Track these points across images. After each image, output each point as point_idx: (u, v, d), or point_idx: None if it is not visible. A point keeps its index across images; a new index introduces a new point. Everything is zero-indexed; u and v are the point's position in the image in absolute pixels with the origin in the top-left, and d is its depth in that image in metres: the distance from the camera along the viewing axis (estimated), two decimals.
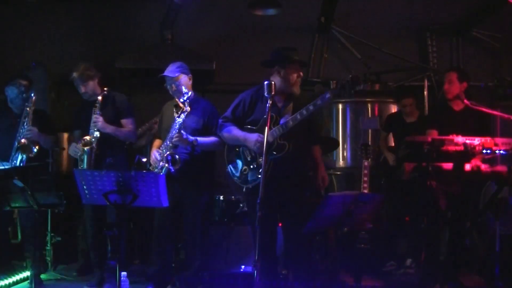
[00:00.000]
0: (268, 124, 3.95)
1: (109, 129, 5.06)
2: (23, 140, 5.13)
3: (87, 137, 4.98)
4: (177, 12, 6.91)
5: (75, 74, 5.15)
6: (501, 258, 4.56)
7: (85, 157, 4.97)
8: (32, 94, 5.28)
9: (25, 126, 5.19)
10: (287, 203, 4.42)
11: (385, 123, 6.64)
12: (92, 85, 5.17)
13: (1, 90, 5.53)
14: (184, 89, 4.85)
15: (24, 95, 5.31)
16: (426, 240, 5.12)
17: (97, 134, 4.98)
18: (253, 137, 4.35)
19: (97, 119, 5.01)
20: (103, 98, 5.08)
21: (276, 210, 4.43)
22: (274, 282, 4.46)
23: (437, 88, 7.54)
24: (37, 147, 5.15)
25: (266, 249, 4.32)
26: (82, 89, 5.17)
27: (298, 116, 4.30)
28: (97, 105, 5.04)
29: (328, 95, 4.26)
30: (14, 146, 5.16)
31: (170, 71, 4.99)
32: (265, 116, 4.11)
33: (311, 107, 4.28)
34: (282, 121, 4.39)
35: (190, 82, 5.04)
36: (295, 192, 4.45)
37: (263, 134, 4.05)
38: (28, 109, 5.23)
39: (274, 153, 4.34)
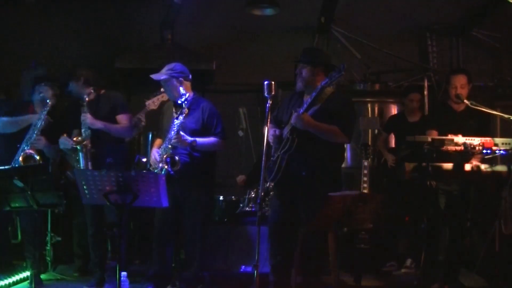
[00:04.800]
0: (268, 123, 3.97)
1: (99, 124, 5.04)
2: (25, 152, 5.07)
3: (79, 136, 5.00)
4: (177, 12, 6.91)
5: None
6: (501, 258, 4.56)
7: (80, 156, 4.97)
8: (48, 100, 5.22)
9: (34, 135, 5.12)
10: (301, 202, 4.41)
11: (387, 123, 6.62)
12: (75, 87, 5.18)
13: (1, 90, 5.51)
14: (182, 91, 4.82)
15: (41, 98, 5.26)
16: (426, 240, 5.12)
17: (88, 131, 4.98)
18: (270, 132, 4.37)
19: (85, 116, 5.02)
20: (91, 97, 5.09)
21: (293, 211, 4.43)
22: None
23: (437, 88, 7.53)
24: (38, 157, 5.10)
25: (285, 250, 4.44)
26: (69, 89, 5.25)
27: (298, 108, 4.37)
28: (84, 103, 5.05)
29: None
30: (19, 150, 5.10)
31: (157, 74, 4.96)
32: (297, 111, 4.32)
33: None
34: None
35: (188, 84, 4.99)
36: (309, 190, 4.41)
37: (286, 129, 4.36)
38: (42, 116, 5.16)
39: (285, 147, 4.34)
